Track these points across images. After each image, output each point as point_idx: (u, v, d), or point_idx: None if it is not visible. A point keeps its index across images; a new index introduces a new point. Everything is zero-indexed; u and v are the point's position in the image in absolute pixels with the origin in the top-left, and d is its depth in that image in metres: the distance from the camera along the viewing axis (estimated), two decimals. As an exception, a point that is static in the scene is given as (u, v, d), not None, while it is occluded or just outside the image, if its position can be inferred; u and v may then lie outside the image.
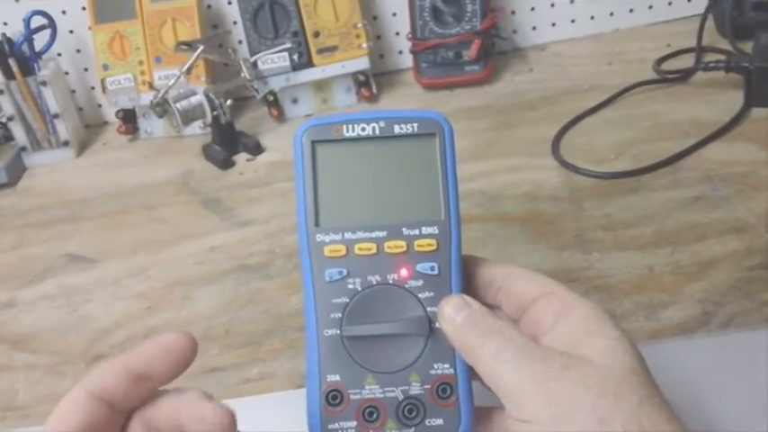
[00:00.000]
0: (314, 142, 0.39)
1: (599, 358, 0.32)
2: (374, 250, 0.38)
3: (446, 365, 0.37)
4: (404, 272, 0.38)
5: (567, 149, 0.78)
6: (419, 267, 0.38)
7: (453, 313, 0.36)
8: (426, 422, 0.36)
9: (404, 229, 0.38)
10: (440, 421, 0.36)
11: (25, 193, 0.94)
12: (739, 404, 0.47)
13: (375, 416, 0.36)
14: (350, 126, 0.39)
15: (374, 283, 0.37)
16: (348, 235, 0.38)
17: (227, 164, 0.90)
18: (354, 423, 0.36)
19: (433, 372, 0.37)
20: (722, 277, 0.58)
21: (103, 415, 0.34)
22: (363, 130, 0.39)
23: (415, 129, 0.39)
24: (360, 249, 0.38)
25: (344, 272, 0.38)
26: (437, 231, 0.38)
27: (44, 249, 0.80)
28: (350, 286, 0.37)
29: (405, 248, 0.38)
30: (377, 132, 0.39)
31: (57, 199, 0.90)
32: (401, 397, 0.36)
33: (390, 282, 0.37)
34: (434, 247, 0.38)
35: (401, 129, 0.39)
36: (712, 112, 0.80)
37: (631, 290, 0.58)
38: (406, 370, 0.37)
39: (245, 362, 0.59)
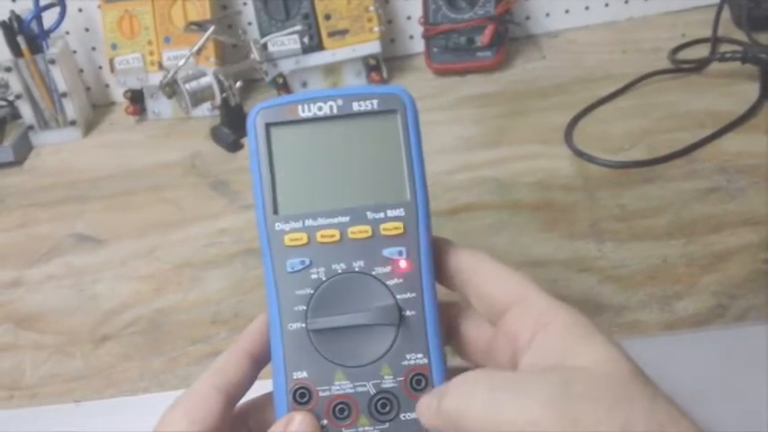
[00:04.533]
0: (268, 125, 0.37)
1: (597, 367, 0.30)
2: (337, 237, 0.36)
3: (419, 355, 0.35)
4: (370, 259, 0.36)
5: (580, 138, 0.77)
6: (386, 252, 0.36)
7: (427, 400, 0.33)
8: (401, 416, 0.35)
9: (368, 213, 0.36)
10: (415, 415, 0.34)
11: (32, 171, 0.93)
12: (753, 397, 0.46)
13: (346, 413, 0.35)
14: (305, 106, 0.37)
15: (339, 271, 0.36)
16: (309, 222, 0.36)
17: (235, 146, 0.89)
18: (325, 421, 0.34)
19: (405, 363, 0.35)
20: (737, 270, 0.57)
21: (230, 410, 0.34)
22: (320, 109, 0.37)
23: (375, 105, 0.37)
24: (322, 236, 0.36)
25: (307, 261, 0.36)
26: (403, 213, 0.36)
27: (50, 229, 0.79)
28: (313, 276, 0.35)
29: (370, 233, 0.36)
30: (335, 111, 0.37)
31: (63, 178, 0.90)
32: (373, 391, 0.35)
33: (356, 270, 0.36)
34: (401, 231, 0.36)
35: (360, 106, 0.37)
36: (728, 104, 0.79)
37: (645, 281, 0.58)
38: (377, 362, 0.35)
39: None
